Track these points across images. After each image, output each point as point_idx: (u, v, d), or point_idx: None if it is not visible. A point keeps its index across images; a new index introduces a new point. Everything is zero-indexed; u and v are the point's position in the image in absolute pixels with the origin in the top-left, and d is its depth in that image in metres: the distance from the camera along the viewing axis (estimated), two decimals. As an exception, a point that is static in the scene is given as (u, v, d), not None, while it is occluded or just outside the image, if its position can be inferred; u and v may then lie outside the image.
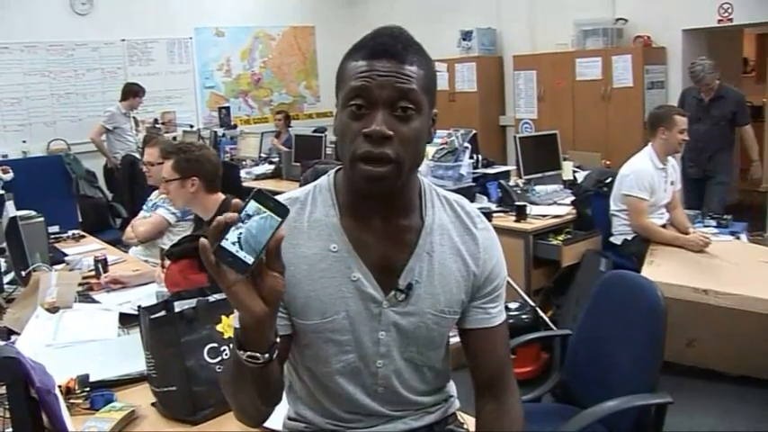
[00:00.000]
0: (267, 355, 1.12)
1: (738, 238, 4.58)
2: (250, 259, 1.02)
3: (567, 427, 2.00)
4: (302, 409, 1.46)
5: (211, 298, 1.93)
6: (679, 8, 6.72)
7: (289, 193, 1.40)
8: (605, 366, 2.31)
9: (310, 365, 1.38)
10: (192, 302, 1.91)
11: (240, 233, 1.02)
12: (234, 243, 1.01)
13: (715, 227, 4.74)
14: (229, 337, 1.90)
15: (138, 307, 1.93)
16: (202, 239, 1.01)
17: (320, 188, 1.36)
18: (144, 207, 4.05)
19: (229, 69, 9.35)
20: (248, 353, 1.11)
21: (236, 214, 1.02)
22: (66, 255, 3.58)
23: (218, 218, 1.01)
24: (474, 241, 1.38)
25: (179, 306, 1.91)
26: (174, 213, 3.76)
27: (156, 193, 3.96)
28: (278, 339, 1.15)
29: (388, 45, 1.23)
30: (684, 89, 6.00)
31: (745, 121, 5.54)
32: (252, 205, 1.03)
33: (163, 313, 1.89)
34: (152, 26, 8.42)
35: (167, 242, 3.80)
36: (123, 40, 8.28)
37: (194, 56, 8.95)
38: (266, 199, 1.04)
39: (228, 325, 1.91)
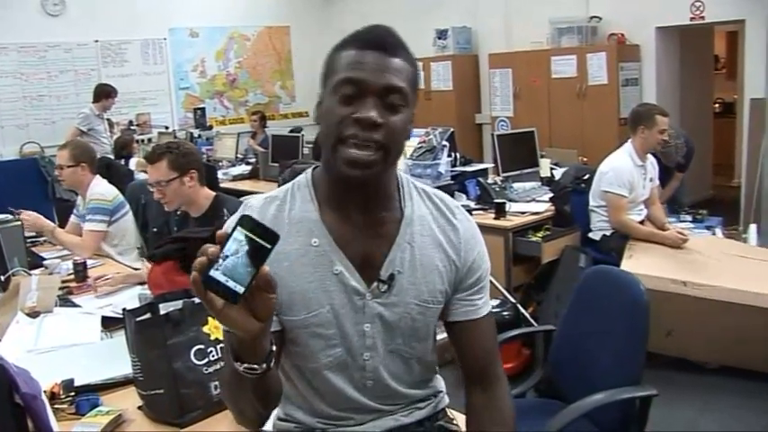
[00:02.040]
0: (265, 365, 1.11)
1: (714, 232, 4.65)
2: (240, 289, 0.99)
3: (555, 421, 2.01)
4: (291, 409, 1.46)
5: (197, 299, 1.91)
6: (652, 6, 6.81)
7: (267, 192, 1.41)
8: (589, 361, 2.33)
9: (298, 362, 1.38)
10: (177, 304, 1.89)
11: (228, 263, 0.98)
12: (222, 273, 0.98)
13: (691, 221, 4.80)
14: (216, 339, 1.89)
15: (123, 309, 1.91)
16: (193, 273, 0.98)
17: (299, 185, 1.38)
18: (74, 212, 3.98)
19: (204, 70, 9.32)
20: (246, 365, 1.11)
21: (218, 249, 0.98)
22: (43, 259, 3.53)
23: (201, 255, 0.98)
24: (454, 232, 1.39)
25: (164, 308, 1.90)
26: (103, 221, 3.68)
27: (80, 197, 3.90)
28: (274, 348, 1.14)
29: (382, 38, 1.26)
30: None
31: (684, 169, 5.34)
32: (239, 232, 0.99)
33: (148, 315, 1.87)
34: (126, 27, 8.37)
35: (115, 248, 3.78)
36: (96, 41, 8.22)
37: (169, 57, 8.91)
38: (254, 225, 1.00)
39: (215, 326, 1.89)
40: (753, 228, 4.85)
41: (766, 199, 5.89)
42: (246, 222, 1.00)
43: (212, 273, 0.98)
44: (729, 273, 3.72)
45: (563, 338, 2.49)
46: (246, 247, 0.99)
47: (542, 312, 4.09)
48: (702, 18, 6.57)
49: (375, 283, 1.33)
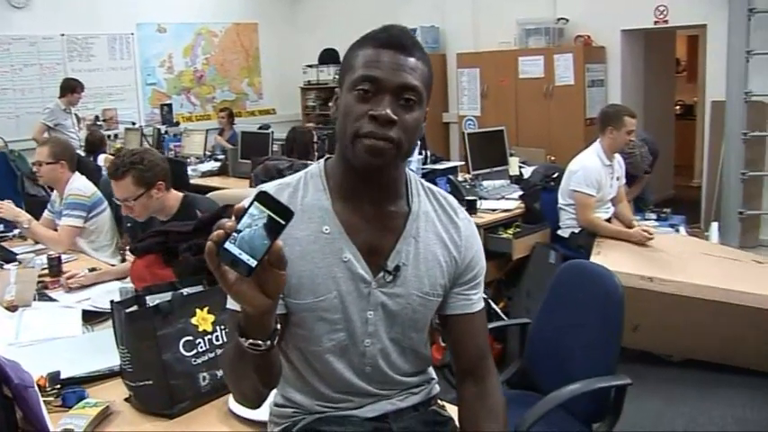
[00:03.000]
0: (269, 342, 1.15)
1: (678, 230, 4.78)
2: (253, 262, 1.02)
3: (534, 410, 2.05)
4: (291, 392, 1.49)
5: (185, 291, 1.94)
6: (618, 9, 6.96)
7: (279, 180, 1.45)
8: (566, 352, 2.39)
9: (301, 345, 1.42)
10: (166, 296, 1.91)
11: (243, 236, 1.01)
12: (237, 246, 1.02)
13: (655, 220, 4.93)
14: (204, 330, 1.91)
15: (111, 302, 1.92)
16: (208, 243, 1.02)
17: (311, 174, 1.43)
18: (48, 207, 3.96)
19: (171, 66, 9.24)
20: (251, 340, 1.14)
21: (234, 224, 1.02)
22: (15, 254, 3.50)
23: (217, 229, 1.02)
24: (456, 230, 1.46)
25: (151, 300, 1.92)
26: (80, 216, 3.67)
27: (56, 193, 3.88)
28: (278, 326, 1.17)
29: (399, 38, 1.31)
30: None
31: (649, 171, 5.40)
32: (255, 207, 1.03)
33: (136, 308, 1.89)
34: (92, 21, 8.26)
35: (91, 244, 3.75)
36: (63, 34, 8.10)
37: (136, 52, 8.82)
38: (269, 201, 1.03)
39: (203, 318, 1.92)
40: (714, 226, 5.00)
41: (726, 199, 6.06)
42: (263, 198, 1.03)
43: (227, 245, 1.01)
44: (694, 269, 3.84)
45: (539, 331, 2.56)
46: (261, 222, 1.02)
47: (513, 307, 4.17)
48: (666, 22, 6.74)
49: (381, 273, 1.38)
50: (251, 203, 1.03)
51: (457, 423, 1.54)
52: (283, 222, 1.03)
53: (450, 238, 1.45)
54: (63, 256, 3.31)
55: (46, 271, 3.15)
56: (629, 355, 3.71)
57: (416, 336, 1.46)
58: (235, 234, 1.02)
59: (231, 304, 1.31)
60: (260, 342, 1.14)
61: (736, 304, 3.55)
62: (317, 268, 1.35)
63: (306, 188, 1.40)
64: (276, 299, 1.10)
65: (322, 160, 1.45)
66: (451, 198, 1.51)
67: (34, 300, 2.69)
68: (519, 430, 1.99)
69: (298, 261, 1.33)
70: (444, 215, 1.46)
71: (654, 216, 5.00)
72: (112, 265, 3.37)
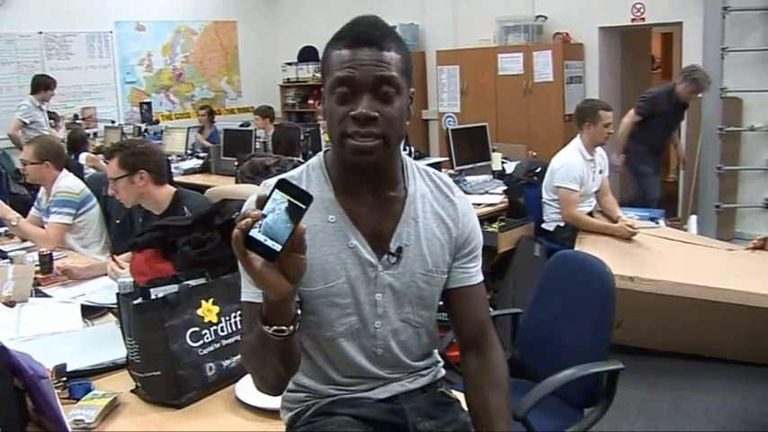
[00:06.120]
0: (292, 327, 1.20)
1: (658, 223, 4.87)
2: (278, 247, 1.08)
3: (530, 395, 2.10)
4: (302, 379, 1.53)
5: (191, 283, 1.97)
6: (596, 6, 7.07)
7: (283, 174, 1.48)
8: (558, 341, 2.46)
9: (314, 331, 1.47)
10: (170, 289, 1.94)
11: (267, 222, 1.07)
12: (262, 232, 1.07)
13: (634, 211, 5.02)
14: (209, 321, 1.94)
15: (117, 294, 1.95)
16: (235, 231, 1.07)
17: (313, 167, 1.48)
18: (35, 205, 3.96)
19: (150, 64, 9.21)
20: (274, 327, 1.19)
21: (259, 212, 1.07)
22: (4, 252, 3.49)
23: (243, 218, 1.07)
24: (453, 207, 1.52)
25: (155, 293, 1.94)
26: (69, 214, 3.67)
27: (42, 191, 3.89)
28: (299, 311, 1.22)
29: (368, 33, 1.34)
30: (661, 93, 5.93)
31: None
32: (277, 194, 1.08)
33: (140, 300, 1.92)
34: (71, 19, 8.21)
35: (80, 241, 3.77)
36: (41, 32, 8.05)
37: (115, 50, 8.79)
38: (290, 187, 1.09)
39: (208, 309, 1.95)
40: (693, 218, 5.11)
41: (703, 193, 6.18)
42: (283, 185, 1.09)
43: (252, 232, 1.07)
44: (675, 265, 3.91)
45: (531, 321, 2.61)
46: (283, 208, 1.08)
47: (500, 299, 4.23)
48: (643, 19, 6.86)
49: (385, 256, 1.44)
50: (272, 190, 1.09)
51: (464, 405, 1.59)
52: (303, 207, 1.09)
53: (448, 215, 1.50)
54: (54, 253, 3.31)
55: (37, 268, 3.15)
56: (614, 349, 3.80)
57: (426, 314, 1.51)
58: (259, 221, 1.07)
59: (247, 296, 1.37)
60: (284, 327, 1.19)
61: (714, 301, 3.63)
62: (325, 255, 1.41)
63: (309, 180, 1.45)
64: (297, 283, 1.15)
65: (321, 152, 1.50)
66: (446, 177, 1.57)
67: (30, 296, 2.70)
68: (517, 415, 2.04)
69: (307, 250, 1.37)
70: (441, 194, 1.51)
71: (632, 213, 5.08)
72: (103, 262, 3.38)
